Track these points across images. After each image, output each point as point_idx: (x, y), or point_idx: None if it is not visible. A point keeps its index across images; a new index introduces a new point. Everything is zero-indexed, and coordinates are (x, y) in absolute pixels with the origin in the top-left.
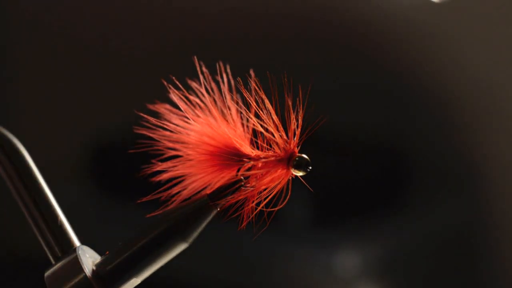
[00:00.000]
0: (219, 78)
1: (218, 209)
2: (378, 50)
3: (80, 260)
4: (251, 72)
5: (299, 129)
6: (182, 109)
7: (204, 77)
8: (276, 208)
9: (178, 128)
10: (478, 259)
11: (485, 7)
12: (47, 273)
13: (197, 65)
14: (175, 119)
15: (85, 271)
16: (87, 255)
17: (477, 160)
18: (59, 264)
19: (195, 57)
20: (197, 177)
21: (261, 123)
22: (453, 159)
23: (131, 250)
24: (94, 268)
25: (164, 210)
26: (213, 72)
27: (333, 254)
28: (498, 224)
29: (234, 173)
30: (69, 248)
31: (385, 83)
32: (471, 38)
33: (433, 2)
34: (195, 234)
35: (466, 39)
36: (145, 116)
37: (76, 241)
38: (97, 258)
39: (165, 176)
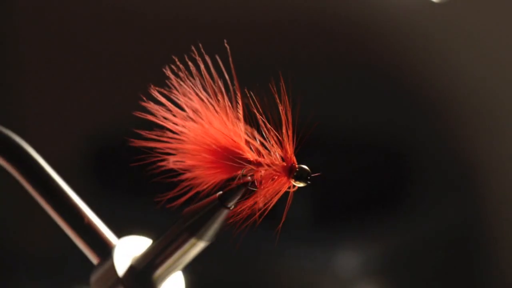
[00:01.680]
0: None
1: (231, 208)
2: (378, 51)
3: (113, 261)
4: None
5: (292, 136)
6: (181, 111)
7: (204, 80)
8: (284, 213)
9: (176, 132)
10: (477, 259)
11: (485, 7)
12: (92, 278)
13: (194, 66)
14: (175, 122)
15: (117, 273)
16: (127, 251)
17: (477, 161)
18: (98, 267)
19: (199, 59)
20: (199, 177)
21: (258, 131)
22: (453, 160)
23: (156, 252)
24: (133, 263)
25: (182, 212)
26: (212, 74)
27: (333, 254)
28: (498, 224)
29: (237, 173)
30: (107, 247)
31: (385, 83)
32: (471, 38)
33: (433, 2)
34: (212, 233)
35: (466, 39)
36: (144, 115)
37: (112, 239)
38: (141, 248)
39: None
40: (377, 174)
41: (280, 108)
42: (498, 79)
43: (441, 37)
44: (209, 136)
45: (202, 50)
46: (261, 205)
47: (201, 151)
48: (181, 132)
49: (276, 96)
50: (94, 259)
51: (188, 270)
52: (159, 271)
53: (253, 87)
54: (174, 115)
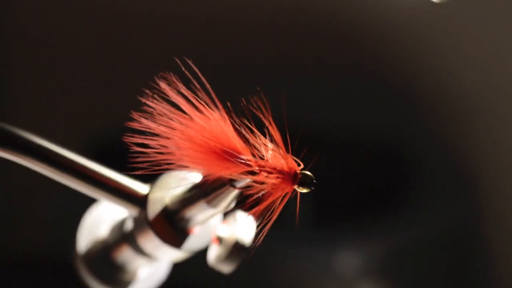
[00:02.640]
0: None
1: (239, 188)
2: (378, 50)
3: (146, 207)
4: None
5: (291, 142)
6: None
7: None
8: (297, 214)
9: (175, 131)
10: (478, 259)
11: (485, 7)
12: (132, 225)
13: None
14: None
15: (148, 217)
16: (161, 193)
17: (477, 161)
18: (136, 216)
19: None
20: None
21: (259, 138)
22: (453, 160)
23: (181, 206)
24: (165, 206)
25: (200, 181)
26: (211, 75)
27: (333, 254)
28: (499, 225)
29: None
30: (140, 197)
31: (385, 84)
32: (472, 38)
33: (433, 2)
34: (223, 206)
35: (466, 39)
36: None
37: (142, 188)
38: (179, 186)
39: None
40: (377, 174)
41: (267, 120)
42: (499, 80)
43: (441, 38)
44: (208, 139)
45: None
46: (267, 208)
47: (202, 154)
48: (180, 135)
49: (270, 102)
50: (133, 212)
51: (187, 270)
52: (184, 222)
53: (249, 93)
54: (171, 119)
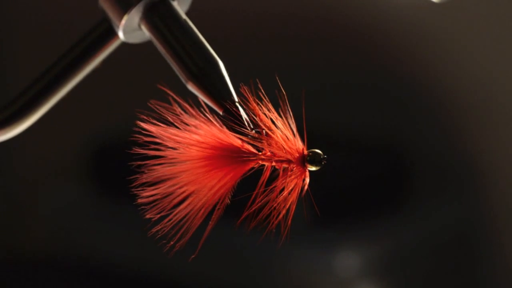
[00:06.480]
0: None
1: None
2: (377, 50)
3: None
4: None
5: (293, 127)
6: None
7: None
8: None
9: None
10: (478, 259)
11: (485, 7)
12: None
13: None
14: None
15: None
16: None
17: (477, 160)
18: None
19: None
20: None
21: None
22: (453, 159)
23: None
24: None
25: None
26: None
27: (333, 254)
28: (498, 224)
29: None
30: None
31: (385, 83)
32: (471, 38)
33: (433, 2)
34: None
35: (466, 39)
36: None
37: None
38: None
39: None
40: (377, 174)
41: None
42: (499, 79)
43: (442, 37)
44: (208, 141)
45: None
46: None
47: (206, 158)
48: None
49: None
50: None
51: (187, 270)
52: None
53: (262, 82)
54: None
